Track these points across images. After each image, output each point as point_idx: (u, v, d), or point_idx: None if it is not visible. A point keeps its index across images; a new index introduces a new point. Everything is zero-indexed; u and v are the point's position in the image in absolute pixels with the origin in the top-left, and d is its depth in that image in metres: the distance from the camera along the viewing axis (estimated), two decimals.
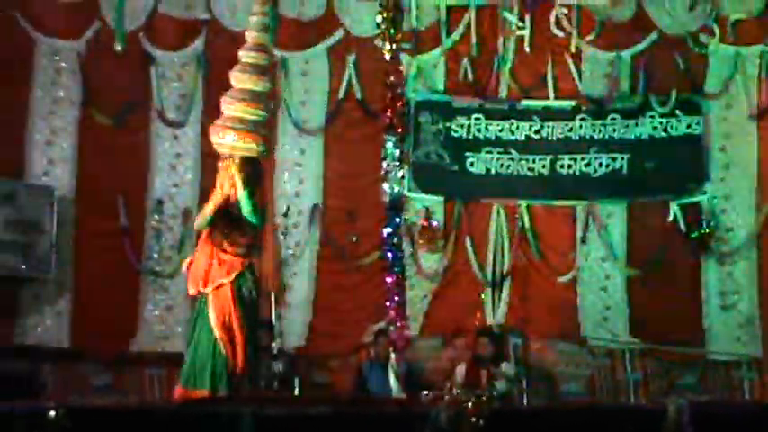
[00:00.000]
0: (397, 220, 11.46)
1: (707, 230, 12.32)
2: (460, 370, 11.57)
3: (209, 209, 8.50)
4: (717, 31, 12.58)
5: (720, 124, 12.66)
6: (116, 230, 12.33)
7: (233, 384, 8.32)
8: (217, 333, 8.31)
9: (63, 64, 12.56)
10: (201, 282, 8.41)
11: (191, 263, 8.63)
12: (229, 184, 8.44)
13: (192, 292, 8.59)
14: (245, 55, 8.69)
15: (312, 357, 12.24)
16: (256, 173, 8.59)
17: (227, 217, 8.46)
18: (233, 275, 8.39)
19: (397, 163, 11.54)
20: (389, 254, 11.35)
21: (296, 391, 10.57)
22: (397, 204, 11.49)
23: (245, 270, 8.48)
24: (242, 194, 8.36)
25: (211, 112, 12.46)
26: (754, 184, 12.54)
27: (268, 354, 10.83)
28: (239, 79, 8.63)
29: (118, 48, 12.28)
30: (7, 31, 12.27)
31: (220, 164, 8.54)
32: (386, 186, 11.52)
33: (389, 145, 11.52)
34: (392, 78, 11.61)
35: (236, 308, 8.37)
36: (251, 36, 8.76)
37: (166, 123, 12.63)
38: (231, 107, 8.54)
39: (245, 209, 8.38)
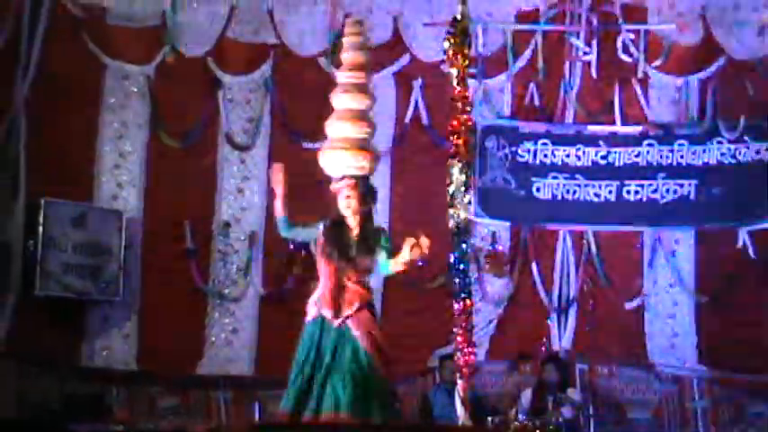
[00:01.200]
0: (464, 245, 11.39)
1: None
2: (526, 396, 11.52)
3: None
4: None
5: None
6: (183, 253, 12.42)
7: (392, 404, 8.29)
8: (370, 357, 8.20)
9: (132, 88, 12.69)
10: (331, 311, 8.21)
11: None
12: (344, 205, 8.38)
13: (311, 314, 8.41)
14: (344, 75, 8.71)
15: None
16: (371, 191, 8.58)
17: (344, 240, 8.32)
18: (359, 305, 8.26)
19: (464, 188, 11.47)
20: (456, 279, 11.28)
21: None
22: (464, 229, 11.40)
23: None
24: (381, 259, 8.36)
25: (279, 135, 12.70)
26: None
27: None
28: (341, 100, 8.65)
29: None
30: (77, 56, 12.38)
31: (332, 186, 8.50)
32: (452, 211, 11.47)
33: (455, 170, 11.46)
34: (459, 103, 11.57)
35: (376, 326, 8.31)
36: (348, 57, 8.79)
37: (234, 147, 12.73)
38: (338, 127, 8.54)
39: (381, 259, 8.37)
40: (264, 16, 12.77)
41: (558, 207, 12.60)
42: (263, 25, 12.79)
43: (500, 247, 12.54)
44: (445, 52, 11.49)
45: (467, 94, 11.68)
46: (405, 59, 12.83)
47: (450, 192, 11.41)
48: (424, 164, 12.64)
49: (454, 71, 11.39)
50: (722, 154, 12.50)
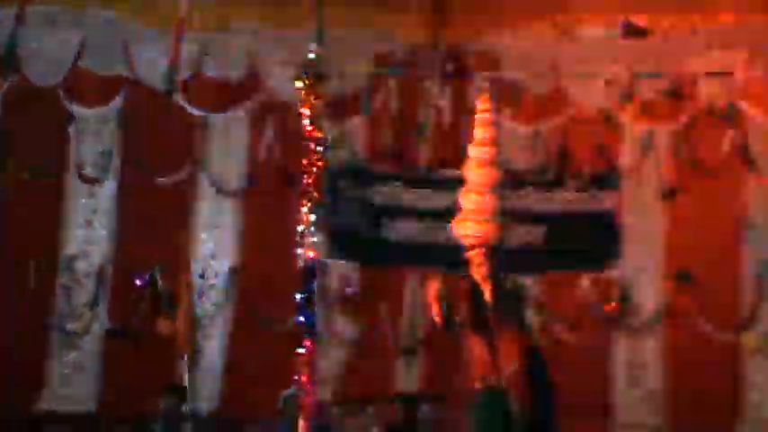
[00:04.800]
0: (313, 285, 11.40)
1: (617, 304, 12.45)
2: None
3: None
4: (630, 109, 12.78)
5: (632, 200, 12.82)
6: (26, 286, 12.16)
7: None
8: None
9: None
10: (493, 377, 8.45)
11: None
12: (476, 272, 8.63)
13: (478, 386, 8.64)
14: (476, 150, 8.89)
15: (225, 422, 12.13)
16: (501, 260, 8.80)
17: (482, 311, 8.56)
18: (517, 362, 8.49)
19: (314, 228, 11.50)
20: (304, 319, 11.29)
21: None
22: (313, 270, 11.42)
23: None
24: None
25: (129, 169, 12.54)
26: (662, 259, 12.72)
27: (178, 417, 10.74)
28: (474, 173, 8.81)
29: None
30: None
31: (466, 254, 8.71)
32: (301, 251, 11.47)
33: (306, 209, 11.49)
34: (311, 143, 11.61)
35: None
36: (480, 132, 8.95)
37: (83, 180, 12.54)
38: (470, 199, 8.76)
39: None
40: (118, 48, 12.64)
41: (408, 249, 12.68)
42: (116, 57, 12.64)
43: (350, 289, 12.56)
44: (299, 92, 11.60)
45: (320, 134, 11.77)
46: (260, 97, 12.81)
47: (300, 231, 11.46)
48: (275, 202, 12.61)
49: (307, 111, 11.44)
50: (568, 202, 12.75)
